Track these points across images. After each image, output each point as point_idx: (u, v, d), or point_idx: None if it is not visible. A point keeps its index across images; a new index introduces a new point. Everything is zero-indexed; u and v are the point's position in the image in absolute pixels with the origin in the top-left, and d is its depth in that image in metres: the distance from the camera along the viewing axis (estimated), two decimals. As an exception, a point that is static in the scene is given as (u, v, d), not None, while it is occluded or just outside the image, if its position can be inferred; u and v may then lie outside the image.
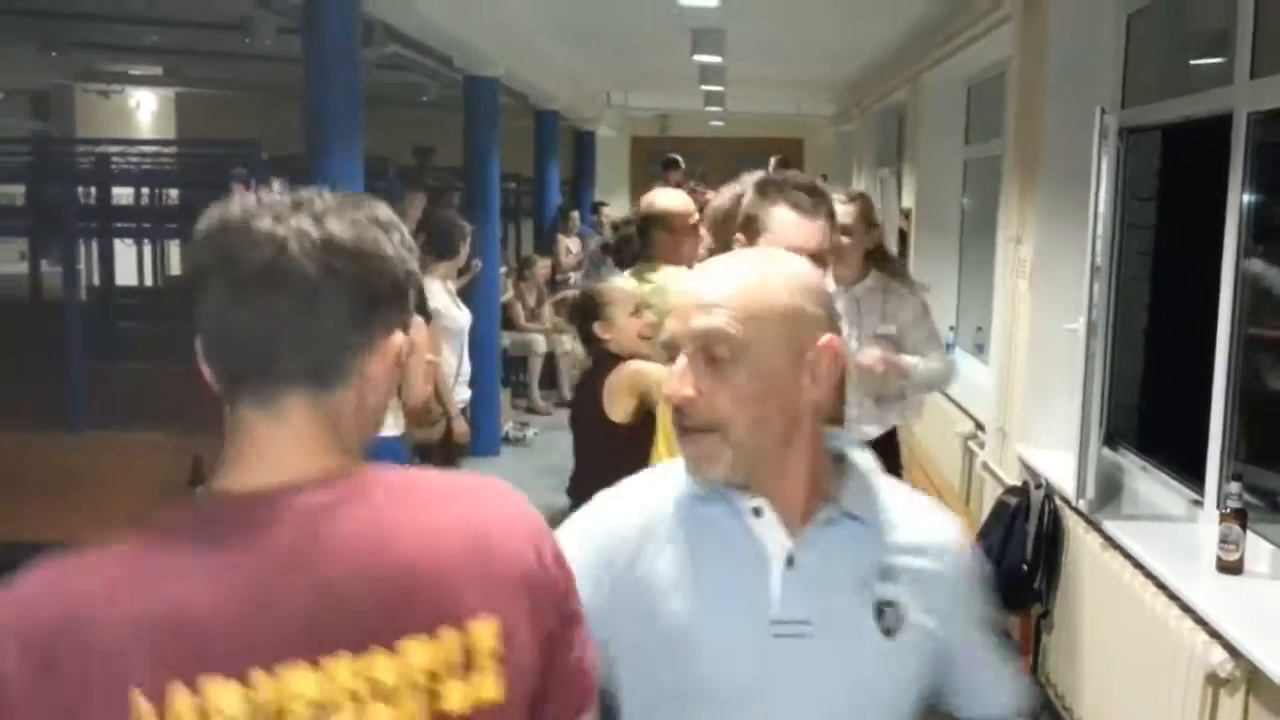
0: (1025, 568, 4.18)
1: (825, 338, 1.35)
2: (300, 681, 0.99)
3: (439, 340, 5.21)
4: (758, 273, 1.37)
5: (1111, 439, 4.42)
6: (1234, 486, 3.25)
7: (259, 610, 1.00)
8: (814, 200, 2.42)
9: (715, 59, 8.39)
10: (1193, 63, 4.57)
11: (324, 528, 1.04)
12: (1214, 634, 2.99)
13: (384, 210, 1.14)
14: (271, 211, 1.06)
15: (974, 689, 1.51)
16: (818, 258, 2.33)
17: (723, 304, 1.32)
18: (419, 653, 1.04)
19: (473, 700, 1.06)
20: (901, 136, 9.40)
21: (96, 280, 7.29)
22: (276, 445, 1.07)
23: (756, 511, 1.35)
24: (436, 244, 5.55)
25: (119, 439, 5.27)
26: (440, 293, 5.43)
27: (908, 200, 8.53)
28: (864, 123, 11.53)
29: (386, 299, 1.11)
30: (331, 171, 5.06)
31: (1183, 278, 4.33)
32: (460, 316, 5.59)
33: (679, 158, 11.69)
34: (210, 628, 0.98)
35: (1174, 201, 4.44)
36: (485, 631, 1.07)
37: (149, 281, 8.83)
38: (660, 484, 1.43)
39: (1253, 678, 2.87)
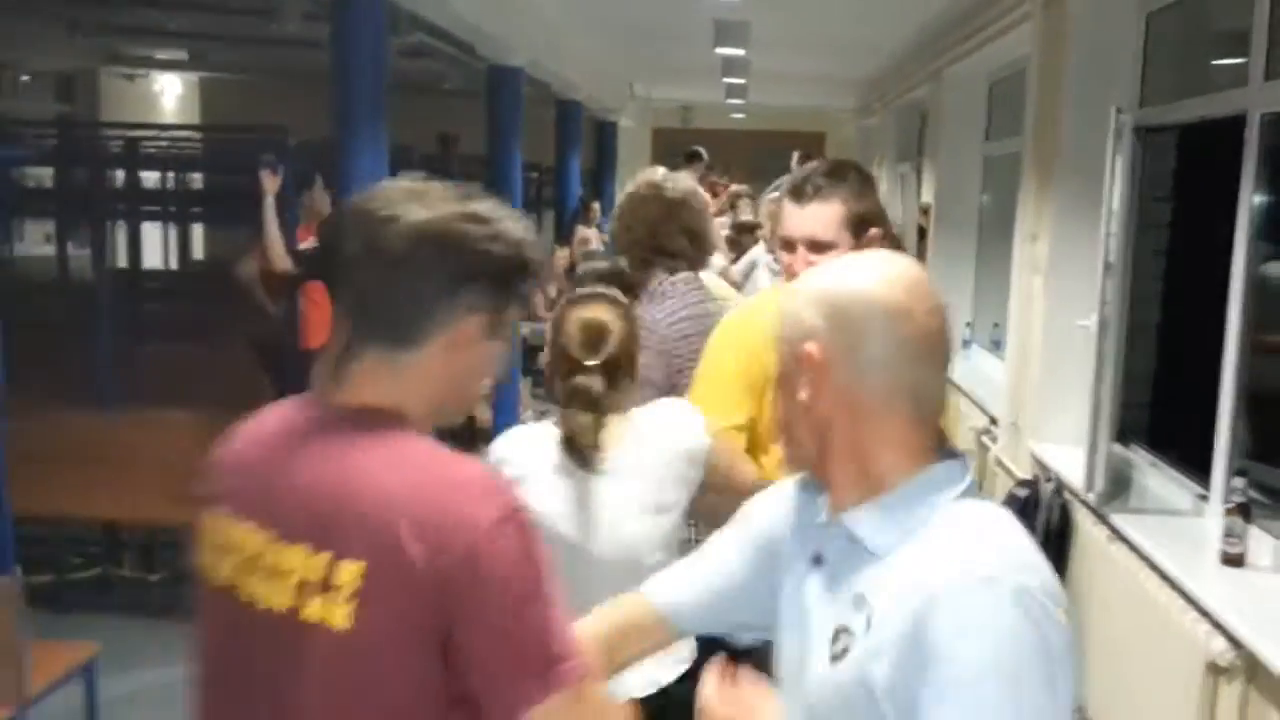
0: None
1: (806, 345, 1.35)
2: (242, 534, 1.35)
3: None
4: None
5: (1122, 435, 4.48)
6: (1238, 482, 3.32)
7: (259, 481, 1.36)
8: (814, 188, 2.38)
9: (739, 52, 8.44)
10: (1213, 63, 4.62)
11: (322, 445, 1.34)
12: (1216, 625, 3.05)
13: (488, 206, 1.38)
14: (388, 197, 1.35)
15: None
16: (817, 246, 2.34)
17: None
18: (297, 557, 1.30)
19: (322, 617, 1.27)
20: (922, 132, 9.44)
21: (120, 263, 7.43)
22: (349, 379, 1.36)
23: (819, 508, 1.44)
24: None
25: (148, 417, 5.37)
26: None
27: (927, 196, 8.57)
28: (885, 117, 11.57)
29: (469, 283, 1.35)
30: (357, 158, 5.15)
31: (1196, 277, 4.38)
32: None
33: (702, 150, 11.75)
34: (228, 475, 1.42)
35: (1189, 201, 4.49)
36: (351, 570, 1.26)
37: (169, 265, 8.95)
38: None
39: (1252, 667, 2.94)
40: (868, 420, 1.32)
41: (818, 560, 1.40)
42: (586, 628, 1.51)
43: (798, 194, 2.41)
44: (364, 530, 1.26)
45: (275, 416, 1.43)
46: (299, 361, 5.33)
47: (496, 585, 1.26)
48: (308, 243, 5.56)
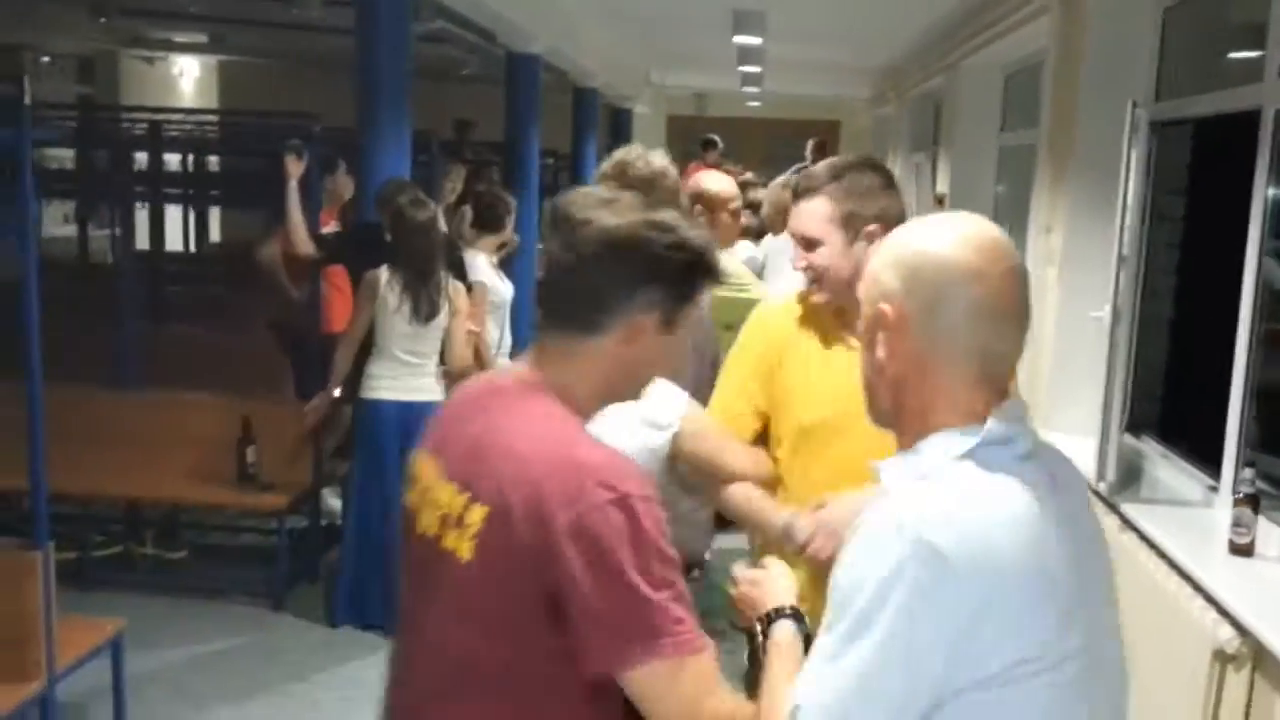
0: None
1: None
2: (426, 470, 1.63)
3: (482, 312, 5.36)
4: None
5: (1135, 427, 4.52)
6: (1247, 473, 3.36)
7: (448, 427, 1.66)
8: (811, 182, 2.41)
9: (755, 40, 8.48)
10: (1231, 56, 4.64)
11: (494, 404, 1.60)
12: (1223, 613, 3.10)
13: (672, 216, 1.58)
14: (585, 202, 1.58)
15: None
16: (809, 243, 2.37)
17: None
18: (447, 493, 1.56)
19: (454, 547, 1.52)
20: (938, 122, 9.47)
21: (135, 246, 7.49)
22: (532, 355, 1.63)
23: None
24: (482, 218, 5.70)
25: (171, 398, 5.44)
26: (485, 266, 5.58)
27: (942, 186, 8.60)
28: (901, 107, 11.59)
29: (648, 283, 1.54)
30: (381, 143, 5.23)
31: (1209, 271, 4.41)
32: (504, 289, 5.74)
33: (717, 138, 11.80)
34: (439, 428, 1.69)
35: (1203, 195, 4.52)
36: (477, 513, 1.50)
37: (188, 248, 9.03)
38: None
39: (1258, 655, 2.98)
40: (935, 378, 1.37)
41: None
42: None
43: (796, 191, 2.46)
44: (495, 482, 1.48)
45: (485, 379, 1.78)
46: (319, 344, 5.40)
47: (597, 559, 1.41)
48: (329, 227, 5.62)
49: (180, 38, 12.38)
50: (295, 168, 5.06)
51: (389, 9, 5.19)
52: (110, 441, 5.09)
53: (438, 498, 1.57)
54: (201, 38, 12.32)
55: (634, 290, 1.53)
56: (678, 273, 1.56)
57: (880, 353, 1.40)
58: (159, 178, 6.71)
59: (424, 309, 4.61)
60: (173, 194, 7.43)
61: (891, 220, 2.33)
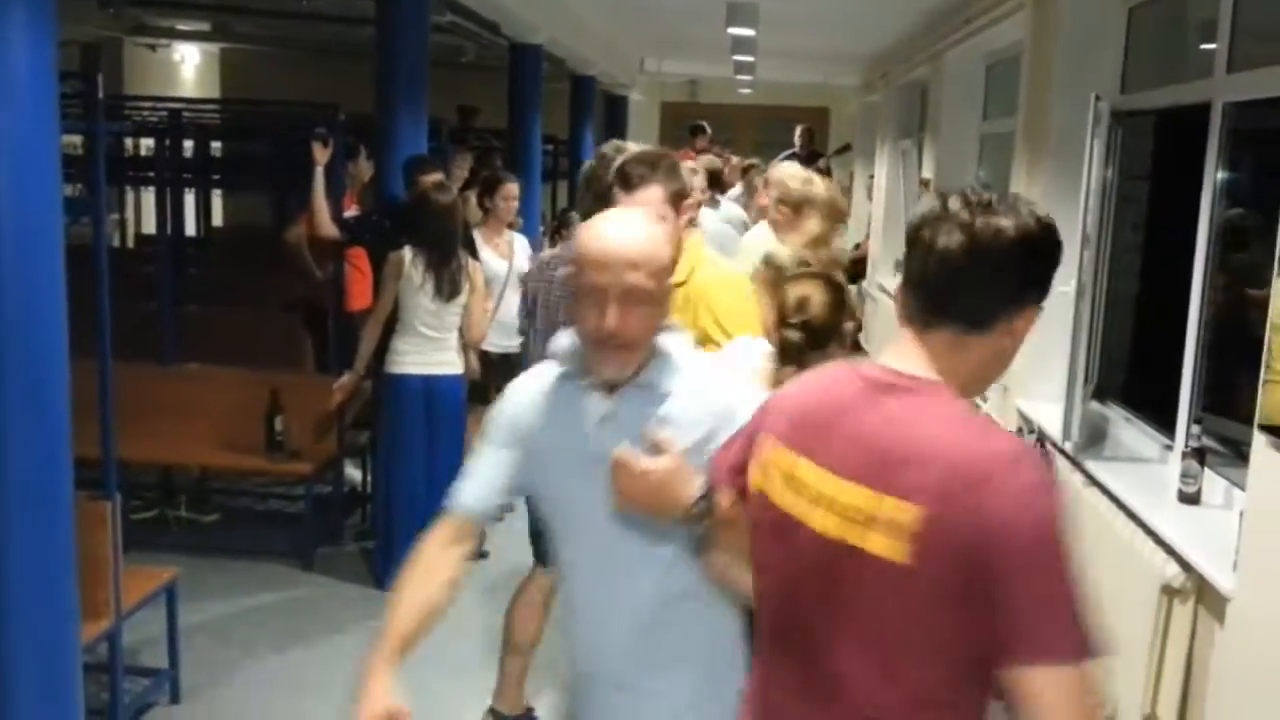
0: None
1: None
2: (811, 472, 1.62)
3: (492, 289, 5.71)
4: (651, 232, 2.00)
5: (1100, 393, 4.90)
6: (1195, 429, 3.74)
7: (819, 426, 1.64)
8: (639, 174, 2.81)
9: (748, 31, 8.78)
10: (1200, 48, 4.99)
11: (887, 402, 1.59)
12: (1171, 553, 3.48)
13: (1048, 216, 1.61)
14: (983, 202, 1.59)
15: None
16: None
17: (642, 264, 1.94)
18: (858, 495, 1.54)
19: (883, 551, 1.50)
20: (924, 110, 9.81)
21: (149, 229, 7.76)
22: (910, 350, 1.62)
23: (586, 387, 2.03)
24: (488, 198, 6.01)
25: (202, 371, 5.79)
26: (485, 246, 5.91)
27: (928, 171, 8.95)
28: (888, 95, 11.90)
29: (1036, 283, 1.60)
30: (399, 129, 5.56)
31: (1169, 250, 4.77)
32: (495, 265, 6.06)
33: (706, 124, 12.17)
34: (801, 419, 1.69)
35: (1164, 180, 4.88)
36: (909, 513, 1.48)
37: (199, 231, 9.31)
38: (541, 372, 2.14)
39: (1201, 589, 3.36)
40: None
41: (602, 419, 2.01)
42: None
43: (626, 183, 2.81)
44: (924, 480, 1.47)
45: (832, 374, 1.71)
46: (342, 323, 5.76)
47: (1030, 549, 1.43)
48: (351, 210, 5.95)
49: (183, 25, 12.63)
50: (322, 154, 5.38)
51: (409, 2, 5.51)
52: (147, 412, 5.41)
53: (835, 496, 1.57)
54: (204, 25, 12.58)
55: (1027, 286, 1.58)
56: (1055, 264, 1.62)
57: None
58: (179, 164, 7.02)
59: (446, 288, 4.94)
60: (187, 179, 7.75)
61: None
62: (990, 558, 1.43)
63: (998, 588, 1.44)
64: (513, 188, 6.05)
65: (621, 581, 2.05)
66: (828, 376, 1.72)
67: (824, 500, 1.58)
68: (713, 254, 3.29)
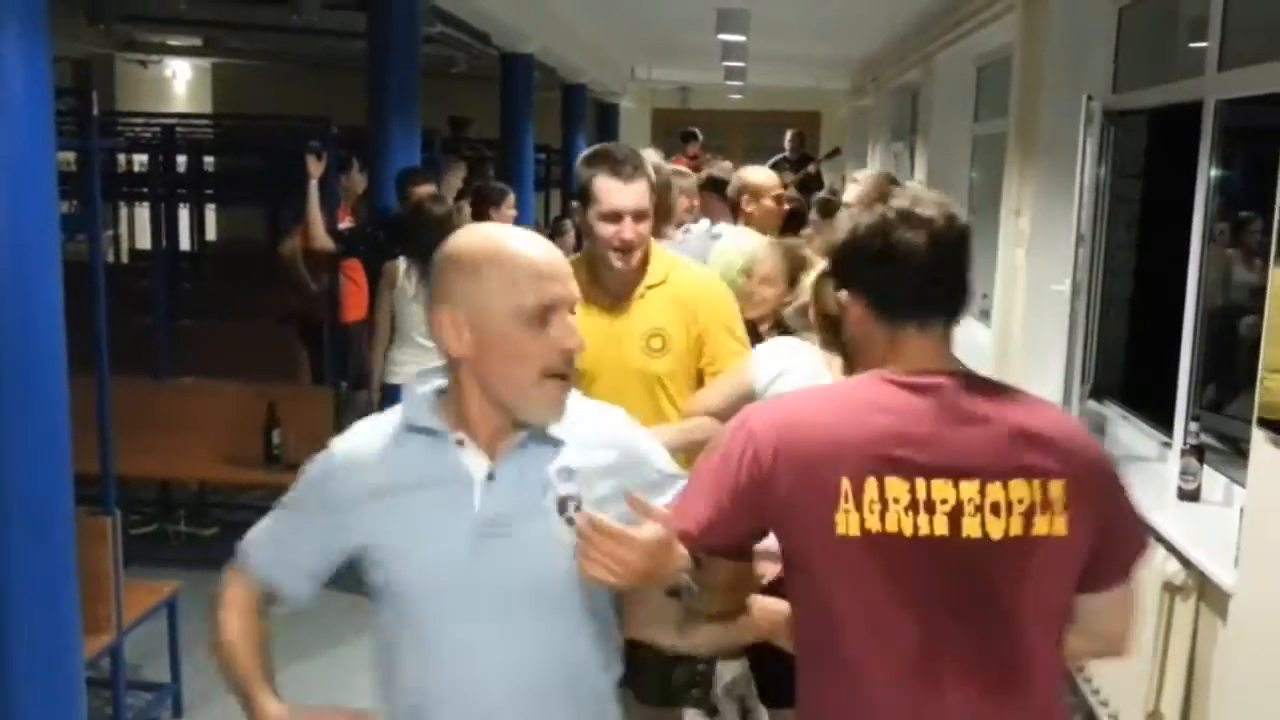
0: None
1: None
2: (943, 489, 1.59)
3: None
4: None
5: (1098, 392, 4.91)
6: (1193, 426, 3.75)
7: (920, 441, 1.60)
8: (632, 167, 2.79)
9: (739, 38, 8.80)
10: (1190, 45, 5.01)
11: (960, 399, 1.63)
12: (1172, 550, 3.48)
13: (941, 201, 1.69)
14: (940, 201, 1.69)
15: None
16: (640, 215, 2.78)
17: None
18: (1019, 489, 1.59)
19: (1048, 530, 1.59)
20: (915, 112, 9.84)
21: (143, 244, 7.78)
22: (919, 350, 1.67)
23: (460, 442, 1.70)
24: (479, 209, 6.00)
25: (199, 385, 5.77)
26: None
27: (920, 173, 8.98)
28: (879, 98, 11.95)
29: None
30: (391, 142, 5.58)
31: (1163, 247, 4.79)
32: None
33: (697, 131, 12.21)
34: (886, 446, 1.60)
35: (1157, 179, 4.90)
36: (1058, 487, 1.59)
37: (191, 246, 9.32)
38: (376, 425, 1.81)
39: (1203, 586, 3.36)
40: None
41: (490, 477, 1.69)
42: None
43: (618, 172, 2.78)
44: (1059, 455, 1.60)
45: (867, 391, 1.66)
46: (335, 336, 5.76)
47: (1124, 489, 1.67)
48: (345, 222, 5.96)
49: (175, 41, 12.65)
50: (316, 167, 5.39)
51: (399, 15, 5.53)
52: (144, 427, 5.40)
53: (1003, 499, 1.59)
54: (196, 41, 12.60)
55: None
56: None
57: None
58: (173, 179, 7.02)
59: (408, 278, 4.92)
60: (181, 194, 7.76)
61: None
62: (1106, 495, 1.63)
63: (1114, 520, 1.64)
64: (512, 198, 6.08)
65: (503, 662, 1.71)
66: (864, 395, 1.66)
67: (974, 507, 1.59)
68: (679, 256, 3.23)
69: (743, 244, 4.19)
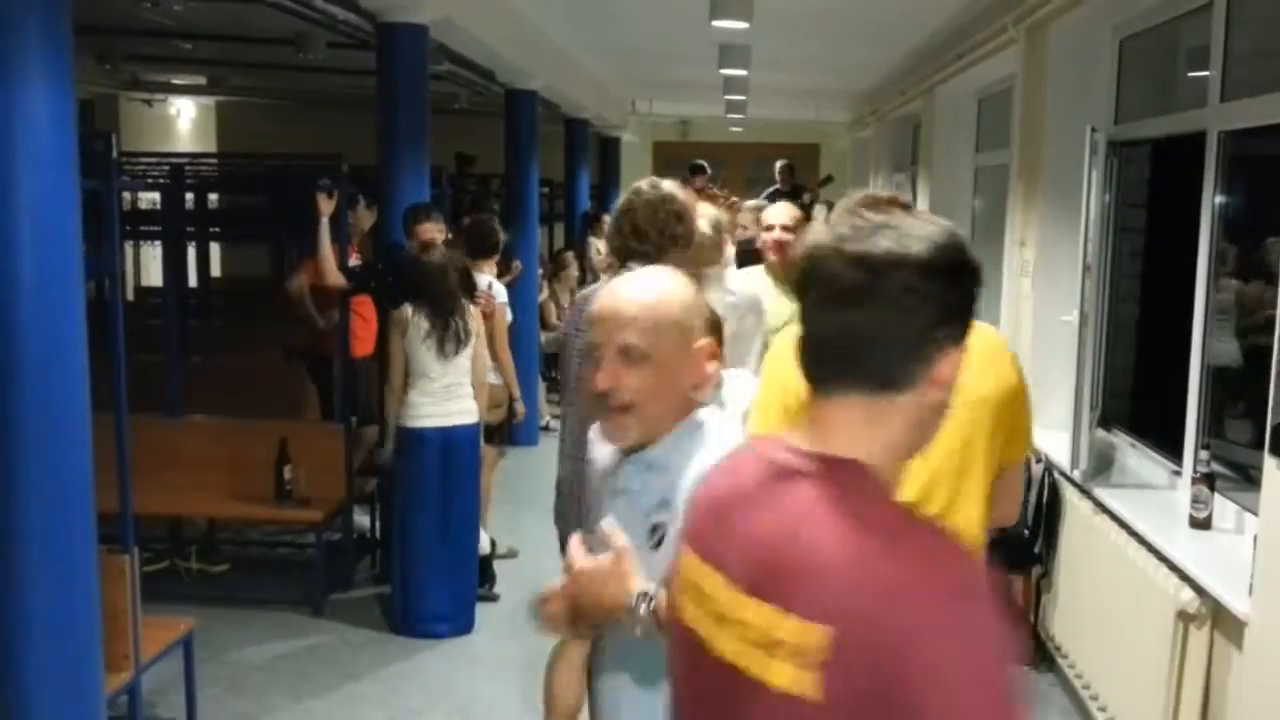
0: (1027, 533, 4.70)
1: (701, 342, 1.88)
2: (711, 580, 1.29)
3: (503, 329, 5.77)
4: (659, 290, 1.89)
5: (1106, 421, 4.94)
6: (1204, 454, 3.78)
7: (722, 526, 1.31)
8: None
9: (741, 72, 8.88)
10: (1188, 75, 5.06)
11: (785, 495, 1.24)
12: (1185, 578, 3.50)
13: (943, 225, 1.29)
14: (858, 229, 1.24)
15: None
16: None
17: (637, 322, 1.84)
18: (764, 615, 1.20)
19: (789, 683, 1.16)
20: (915, 143, 9.91)
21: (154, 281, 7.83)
22: (818, 424, 1.28)
23: (622, 454, 1.93)
24: (474, 245, 6.01)
25: (211, 423, 5.81)
26: (494, 284, 5.96)
27: (922, 204, 9.03)
28: (880, 130, 12.03)
29: (951, 314, 1.24)
30: (401, 179, 5.63)
31: (1168, 276, 4.83)
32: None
33: (705, 164, 12.32)
34: (701, 518, 1.37)
35: (1161, 207, 4.95)
36: (819, 635, 1.15)
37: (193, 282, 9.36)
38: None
39: (1217, 613, 3.38)
40: None
41: (614, 493, 1.94)
42: None
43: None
44: (830, 595, 1.16)
45: (748, 457, 1.35)
46: (345, 371, 5.79)
47: (944, 673, 1.12)
48: (354, 259, 5.99)
49: (179, 80, 12.76)
50: (327, 205, 5.44)
51: (408, 55, 5.60)
52: (155, 464, 5.42)
53: (733, 613, 1.25)
54: (200, 79, 12.71)
55: (940, 324, 1.23)
56: (972, 293, 1.27)
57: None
58: (183, 217, 7.07)
59: (450, 345, 4.98)
60: (190, 232, 7.80)
61: None
62: (895, 683, 1.12)
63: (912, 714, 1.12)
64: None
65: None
66: (740, 459, 1.37)
67: (724, 619, 1.26)
68: None
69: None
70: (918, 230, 1.24)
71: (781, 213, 4.50)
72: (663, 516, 1.82)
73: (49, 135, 2.76)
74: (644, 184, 3.60)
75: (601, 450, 2.04)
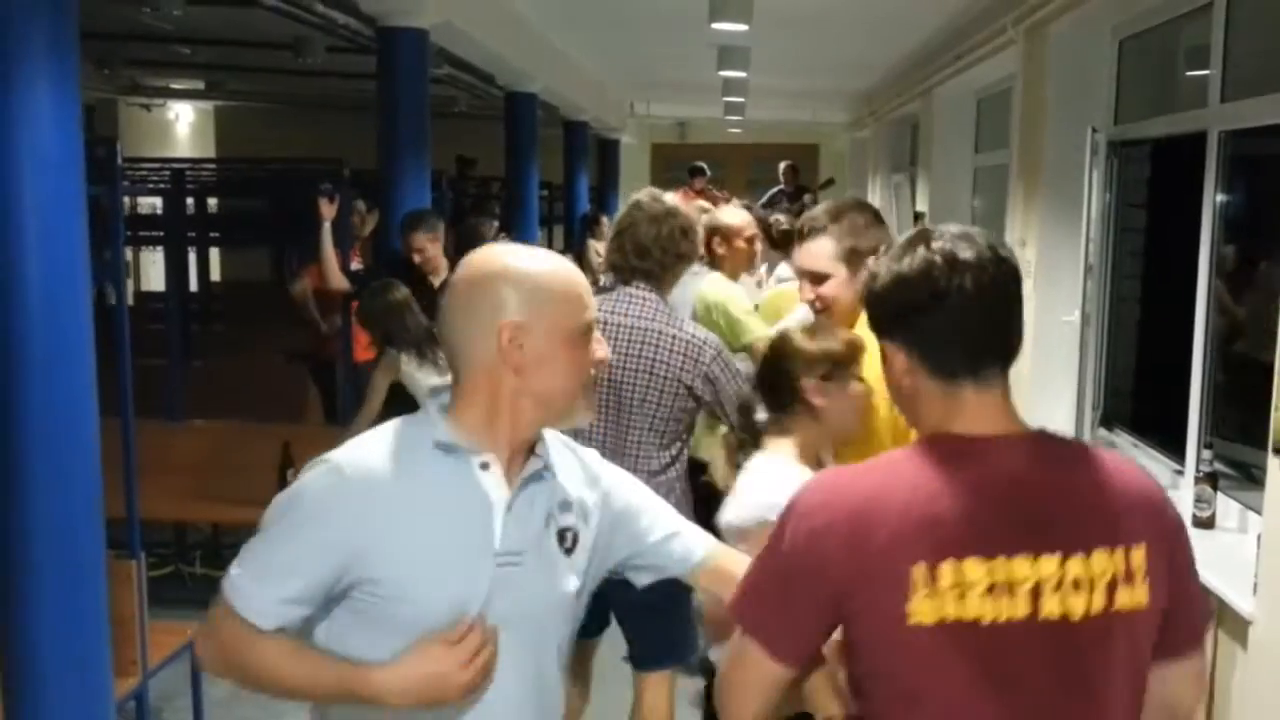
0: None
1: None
2: (1021, 567, 1.45)
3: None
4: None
5: (1108, 421, 4.95)
6: (1206, 454, 3.79)
7: (995, 515, 1.47)
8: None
9: (740, 74, 8.90)
10: (1185, 76, 5.08)
11: (1034, 465, 1.51)
12: (1188, 577, 3.50)
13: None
14: (983, 240, 1.56)
15: (658, 549, 1.90)
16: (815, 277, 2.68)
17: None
18: (1101, 560, 1.47)
19: (1130, 603, 1.48)
20: (915, 144, 9.93)
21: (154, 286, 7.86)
22: (988, 409, 1.53)
23: (485, 466, 1.67)
24: (465, 249, 6.01)
25: (214, 427, 5.81)
26: None
27: (921, 204, 9.05)
28: (878, 130, 12.05)
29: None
30: (402, 183, 5.64)
31: (1169, 276, 4.84)
32: None
33: (704, 165, 12.36)
34: (961, 524, 1.46)
35: (1161, 207, 4.96)
36: (1139, 554, 1.48)
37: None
38: (380, 441, 1.69)
39: (1221, 612, 3.38)
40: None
41: (509, 507, 1.69)
42: None
43: (801, 232, 2.74)
44: (1138, 519, 1.50)
45: (922, 465, 1.51)
46: (348, 375, 5.80)
47: (1190, 548, 1.57)
48: (355, 263, 6.01)
49: (178, 84, 12.79)
50: (328, 210, 5.45)
51: (409, 59, 5.61)
52: (158, 469, 5.43)
53: (1084, 574, 1.47)
54: (199, 84, 12.73)
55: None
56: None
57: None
58: (184, 221, 7.08)
59: (440, 356, 4.86)
60: (192, 237, 7.82)
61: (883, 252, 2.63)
62: (1178, 556, 1.54)
63: (1184, 582, 1.55)
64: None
65: (498, 691, 1.67)
66: (927, 465, 1.51)
67: (1055, 584, 1.46)
68: None
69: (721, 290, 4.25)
70: (994, 246, 1.58)
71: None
72: (569, 520, 1.76)
73: (55, 140, 2.77)
74: (644, 196, 3.52)
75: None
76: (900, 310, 1.56)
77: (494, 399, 1.67)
